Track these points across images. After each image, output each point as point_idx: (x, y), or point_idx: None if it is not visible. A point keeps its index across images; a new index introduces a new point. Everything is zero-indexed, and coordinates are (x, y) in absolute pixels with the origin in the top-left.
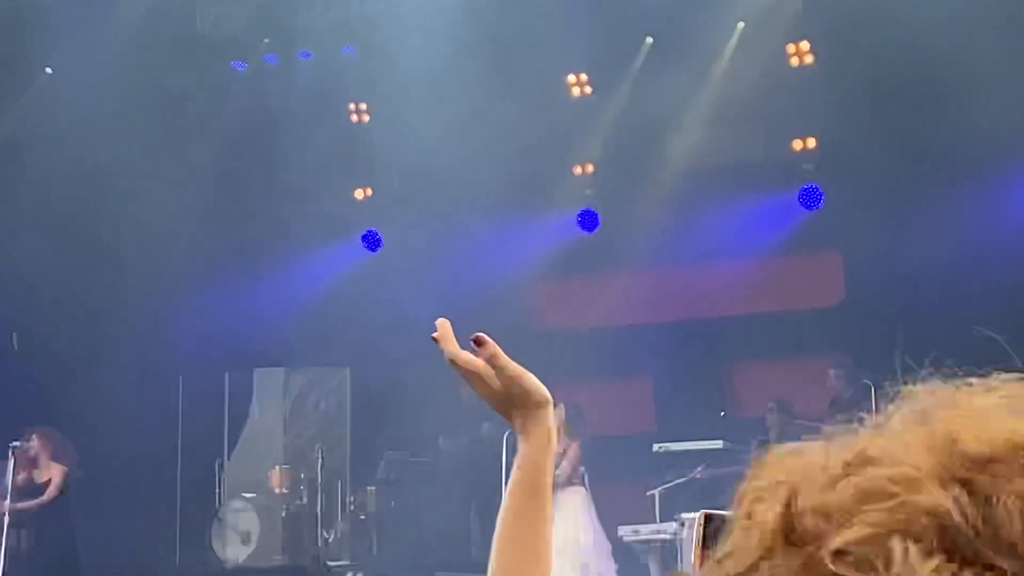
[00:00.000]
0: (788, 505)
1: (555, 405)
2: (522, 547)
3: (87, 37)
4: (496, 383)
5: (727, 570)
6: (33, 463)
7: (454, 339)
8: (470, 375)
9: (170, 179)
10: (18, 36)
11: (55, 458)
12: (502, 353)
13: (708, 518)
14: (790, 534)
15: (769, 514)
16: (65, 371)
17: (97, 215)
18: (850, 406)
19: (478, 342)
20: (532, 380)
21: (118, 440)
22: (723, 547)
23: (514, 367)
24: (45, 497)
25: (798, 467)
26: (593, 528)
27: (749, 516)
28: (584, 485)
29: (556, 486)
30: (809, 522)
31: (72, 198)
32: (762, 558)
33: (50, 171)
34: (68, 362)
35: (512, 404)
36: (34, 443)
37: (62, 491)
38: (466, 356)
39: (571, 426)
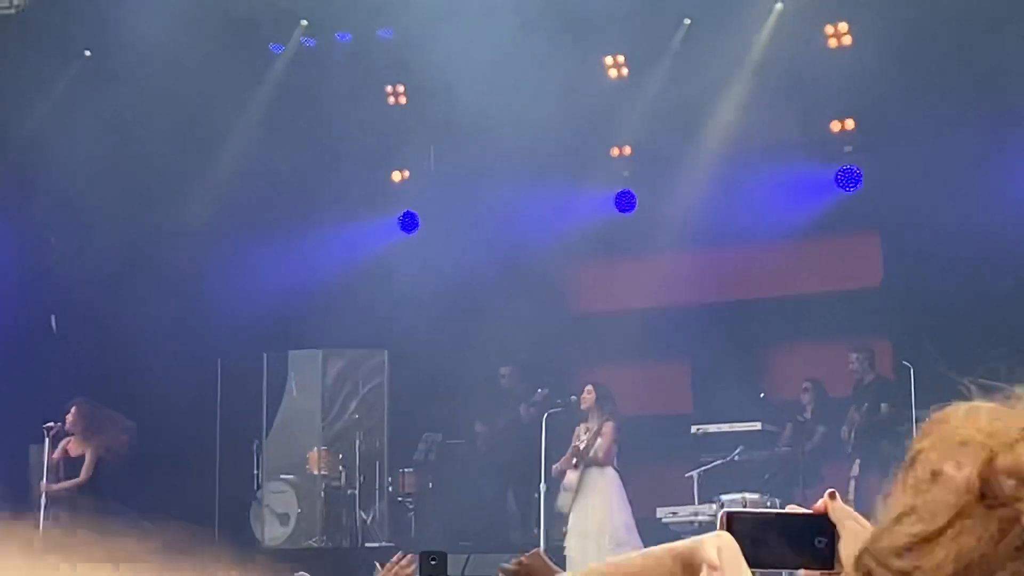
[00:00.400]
0: (985, 465)
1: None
2: None
3: (127, 20)
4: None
5: (909, 529)
6: (68, 437)
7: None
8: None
9: (206, 162)
10: (59, 19)
11: (89, 432)
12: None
13: (731, 518)
14: (985, 495)
15: (962, 473)
16: (104, 354)
17: (136, 197)
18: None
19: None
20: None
21: (157, 422)
22: (892, 505)
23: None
24: (80, 479)
25: (985, 428)
26: (625, 508)
27: (934, 475)
28: (614, 465)
29: (590, 465)
30: (1007, 484)
31: (110, 180)
32: (956, 518)
33: (89, 154)
34: (107, 345)
35: None
36: (70, 417)
37: (96, 469)
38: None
39: (602, 407)
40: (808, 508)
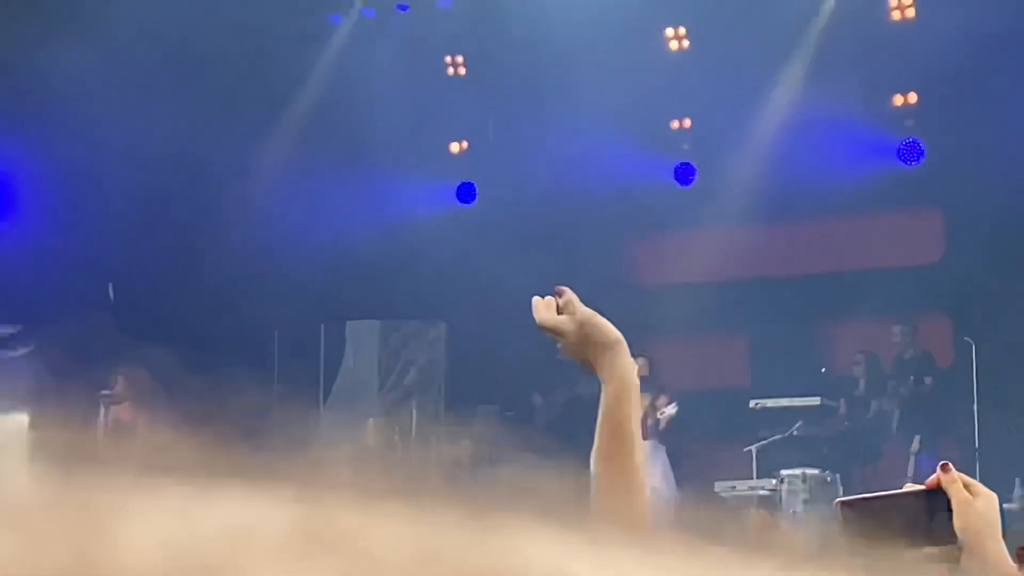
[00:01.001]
0: None
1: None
2: (612, 491)
3: None
4: (571, 326)
5: None
6: (119, 405)
7: (545, 308)
8: (553, 331)
9: (264, 134)
10: None
11: (139, 401)
12: (576, 299)
13: (844, 506)
14: None
15: None
16: (161, 324)
17: (195, 170)
18: (914, 364)
19: (558, 292)
20: (602, 321)
21: (213, 393)
22: None
23: (584, 310)
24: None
25: None
26: (673, 483)
27: None
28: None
29: (644, 438)
30: None
31: (168, 151)
32: None
33: (147, 125)
34: (164, 315)
35: (588, 349)
36: (119, 386)
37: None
38: (548, 315)
39: (653, 380)
40: (871, 485)
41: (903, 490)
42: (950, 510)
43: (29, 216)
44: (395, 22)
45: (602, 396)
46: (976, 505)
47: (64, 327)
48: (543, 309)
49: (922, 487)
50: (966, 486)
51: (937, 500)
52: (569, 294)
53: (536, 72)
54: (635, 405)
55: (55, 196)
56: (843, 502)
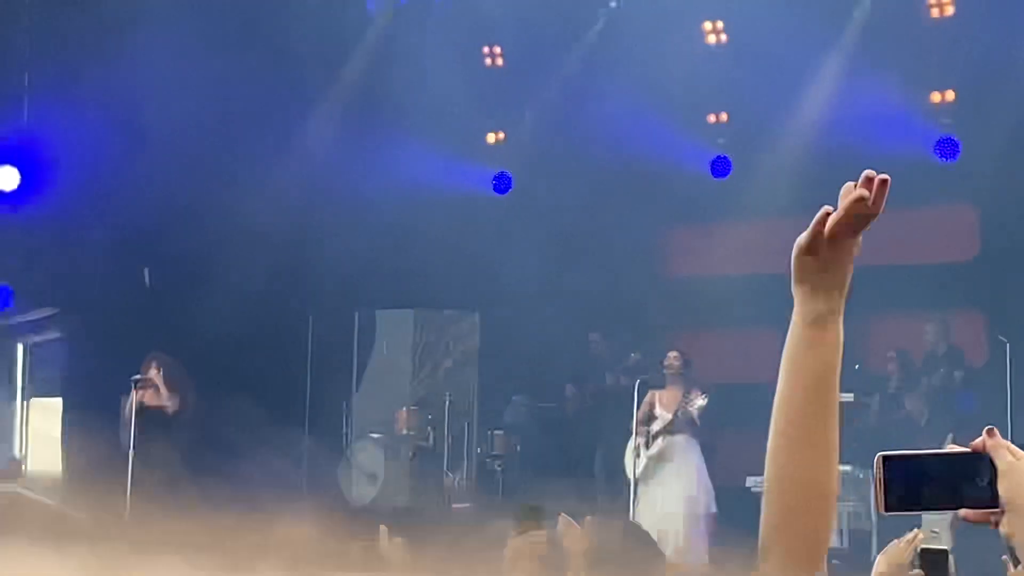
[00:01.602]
0: None
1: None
2: (811, 448)
3: None
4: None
5: None
6: (147, 390)
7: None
8: (817, 239)
9: (299, 124)
10: None
11: (169, 385)
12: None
13: (886, 460)
14: None
15: None
16: (197, 310)
17: (232, 158)
18: (945, 360)
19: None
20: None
21: (247, 379)
22: None
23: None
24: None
25: None
26: (707, 477)
27: None
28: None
29: (677, 433)
30: None
31: (205, 137)
32: None
33: (182, 112)
34: (200, 301)
35: (832, 282)
36: (151, 370)
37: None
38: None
39: (685, 375)
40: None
41: (946, 450)
42: (993, 475)
43: (65, 199)
44: (434, 11)
45: (809, 345)
46: (1021, 469)
47: (99, 311)
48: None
49: (967, 449)
50: (1011, 452)
51: (981, 463)
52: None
53: (573, 64)
54: (839, 368)
55: (91, 176)
56: (885, 456)
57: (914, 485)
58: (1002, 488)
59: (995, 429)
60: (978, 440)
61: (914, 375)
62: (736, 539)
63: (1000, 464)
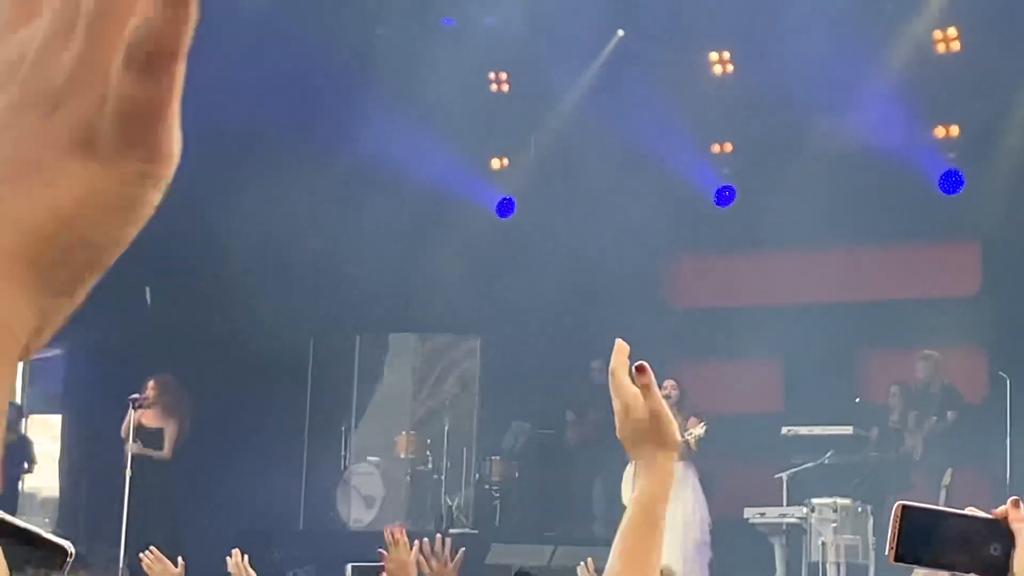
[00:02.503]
0: None
1: (662, 383)
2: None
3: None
4: (641, 414)
5: None
6: (146, 409)
7: (627, 365)
8: (624, 399)
9: (303, 148)
10: None
11: (167, 409)
12: (654, 383)
13: (905, 509)
14: None
15: None
16: (196, 330)
17: (234, 177)
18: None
19: (639, 369)
20: (671, 419)
21: (248, 400)
22: None
23: (661, 400)
24: (164, 453)
25: None
26: (705, 506)
27: None
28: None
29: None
30: None
31: (210, 155)
32: None
33: (185, 129)
34: (199, 321)
35: (647, 438)
36: (150, 391)
37: (178, 444)
38: (627, 383)
39: (681, 404)
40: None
41: (966, 511)
42: (1011, 546)
43: None
44: (441, 36)
45: (639, 489)
46: None
47: (99, 329)
48: (623, 372)
49: (988, 515)
50: None
51: (1000, 532)
52: (650, 376)
53: (579, 91)
54: (665, 505)
55: None
56: (905, 506)
57: (928, 540)
58: (1017, 562)
59: (1020, 500)
60: (1001, 508)
61: (914, 410)
62: (732, 570)
63: (1020, 538)
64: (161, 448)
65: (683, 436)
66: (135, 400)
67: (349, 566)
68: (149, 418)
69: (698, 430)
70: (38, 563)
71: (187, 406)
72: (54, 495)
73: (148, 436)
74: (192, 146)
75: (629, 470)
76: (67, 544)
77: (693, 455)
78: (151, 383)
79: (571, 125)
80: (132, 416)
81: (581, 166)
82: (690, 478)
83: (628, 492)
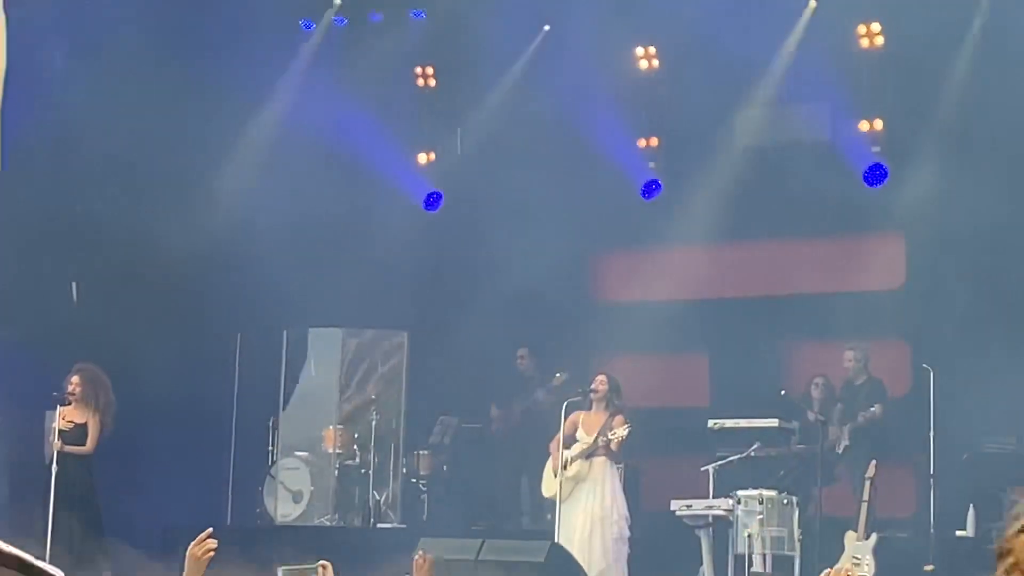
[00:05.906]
0: None
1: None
2: None
3: None
4: None
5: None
6: (71, 401)
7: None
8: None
9: (233, 136)
10: None
11: (89, 403)
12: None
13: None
14: None
15: None
16: (122, 324)
17: (163, 173)
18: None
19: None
20: None
21: (173, 394)
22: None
23: None
24: (86, 448)
25: None
26: (624, 500)
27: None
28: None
29: (596, 456)
30: None
31: (132, 153)
32: None
33: (107, 128)
34: (125, 316)
35: None
36: (74, 381)
37: (101, 439)
38: None
39: (612, 399)
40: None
41: None
42: None
43: None
44: (368, 31)
45: None
46: None
47: (23, 326)
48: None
49: None
50: None
51: None
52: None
53: (505, 86)
54: None
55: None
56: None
57: None
58: None
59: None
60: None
61: (837, 402)
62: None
63: None
64: (83, 443)
65: (607, 437)
66: (58, 397)
67: (280, 569)
68: (72, 414)
69: (621, 431)
70: None
71: (111, 397)
72: None
73: (70, 433)
74: (115, 145)
75: (548, 464)
76: (57, 572)
77: (615, 455)
78: (74, 378)
79: (498, 119)
80: (56, 413)
81: (508, 160)
82: (610, 475)
83: (548, 486)
